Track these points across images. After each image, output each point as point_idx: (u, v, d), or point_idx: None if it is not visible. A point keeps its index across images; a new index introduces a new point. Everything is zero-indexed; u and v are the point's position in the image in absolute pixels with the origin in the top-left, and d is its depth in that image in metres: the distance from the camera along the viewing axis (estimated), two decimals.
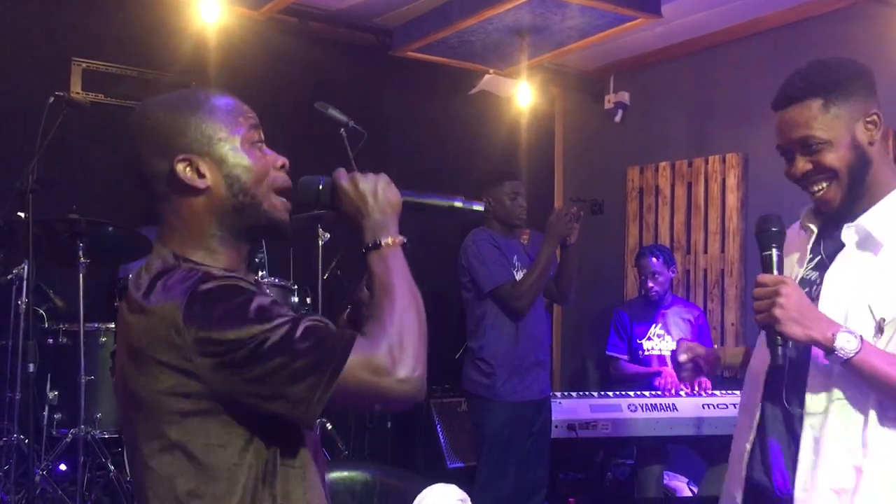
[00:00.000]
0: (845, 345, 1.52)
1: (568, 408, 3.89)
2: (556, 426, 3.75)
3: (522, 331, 3.50)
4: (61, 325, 3.85)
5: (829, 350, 1.54)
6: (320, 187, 1.39)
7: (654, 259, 4.47)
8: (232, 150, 1.34)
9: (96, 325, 3.86)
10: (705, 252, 5.17)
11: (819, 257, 1.74)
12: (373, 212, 1.34)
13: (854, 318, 1.61)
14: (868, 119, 1.66)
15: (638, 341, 4.55)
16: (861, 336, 1.54)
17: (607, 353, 4.66)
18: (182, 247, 1.33)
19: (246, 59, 4.74)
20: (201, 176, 1.31)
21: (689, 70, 5.27)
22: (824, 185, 1.66)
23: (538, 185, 5.64)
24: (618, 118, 5.68)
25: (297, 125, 4.58)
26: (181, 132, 1.32)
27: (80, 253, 3.56)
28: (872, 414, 1.59)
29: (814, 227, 1.77)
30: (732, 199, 5.02)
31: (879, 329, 1.59)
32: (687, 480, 4.47)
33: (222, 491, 1.24)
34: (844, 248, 1.68)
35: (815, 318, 1.56)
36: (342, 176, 1.38)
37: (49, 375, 3.79)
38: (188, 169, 1.31)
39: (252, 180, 1.34)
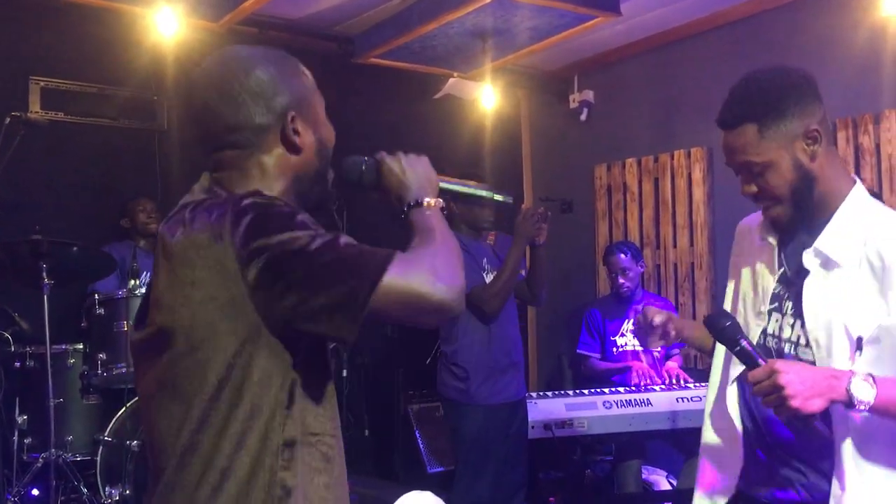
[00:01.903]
0: (862, 395, 1.50)
1: (544, 408, 3.90)
2: (533, 427, 3.75)
3: (495, 333, 3.50)
4: (28, 348, 3.79)
5: (851, 405, 1.51)
6: (364, 167, 1.45)
7: (622, 255, 4.50)
8: (323, 117, 1.44)
9: (63, 347, 3.80)
10: (674, 246, 5.20)
11: (783, 270, 1.75)
12: (414, 184, 1.44)
13: (835, 338, 1.61)
14: (808, 136, 1.64)
15: (611, 338, 4.57)
16: (871, 376, 1.52)
17: (578, 351, 4.68)
18: (259, 187, 1.35)
19: None
20: (299, 135, 1.37)
21: (652, 66, 5.31)
22: (770, 205, 1.68)
23: (506, 186, 5.63)
24: (583, 117, 5.71)
25: None
26: (287, 89, 1.37)
27: (44, 274, 3.52)
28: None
29: (773, 241, 1.76)
30: (699, 193, 5.06)
31: (858, 347, 1.59)
32: (665, 473, 4.50)
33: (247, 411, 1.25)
34: (810, 275, 1.67)
35: (824, 379, 1.52)
36: (386, 155, 1.47)
37: (17, 399, 3.73)
38: (296, 126, 1.36)
39: (330, 150, 1.44)
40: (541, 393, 4.15)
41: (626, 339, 4.54)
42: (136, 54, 4.50)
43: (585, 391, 4.13)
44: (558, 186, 5.88)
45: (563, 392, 4.22)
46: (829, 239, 1.65)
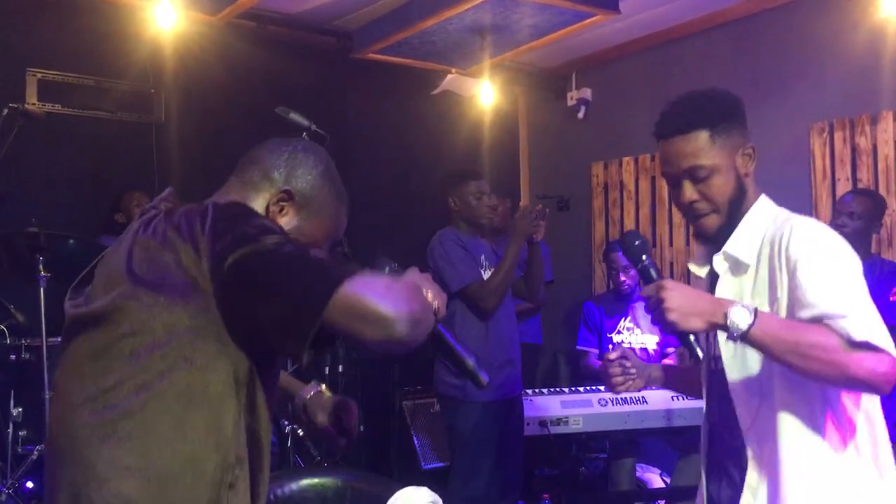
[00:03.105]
0: (738, 319, 1.53)
1: (539, 405, 3.90)
2: (528, 423, 3.76)
3: (492, 330, 3.50)
4: (23, 341, 3.77)
5: (727, 329, 1.55)
6: (388, 270, 1.58)
7: (622, 253, 4.50)
8: (308, 227, 1.53)
9: (59, 340, 3.78)
10: (671, 245, 5.21)
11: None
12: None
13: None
14: (745, 151, 1.75)
15: (608, 335, 4.57)
16: (755, 308, 1.55)
17: (577, 347, 4.68)
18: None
19: (204, 65, 4.70)
20: (280, 213, 1.51)
21: (650, 65, 5.31)
22: (707, 213, 1.74)
23: (503, 183, 5.65)
24: (581, 115, 5.71)
25: (258, 130, 4.51)
26: (307, 183, 1.53)
27: (41, 266, 3.50)
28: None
29: (701, 274, 1.85)
30: None
31: None
32: (659, 471, 4.51)
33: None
34: (720, 278, 1.76)
35: (707, 303, 1.58)
36: (417, 275, 1.51)
37: (12, 392, 3.71)
38: (281, 204, 1.51)
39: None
40: (536, 390, 4.16)
41: (623, 337, 4.55)
42: (134, 47, 4.49)
43: (581, 388, 4.13)
44: (555, 184, 5.88)
45: (558, 389, 4.22)
46: (737, 241, 1.74)
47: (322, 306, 1.22)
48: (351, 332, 1.25)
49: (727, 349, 1.73)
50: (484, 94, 5.23)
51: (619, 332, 4.56)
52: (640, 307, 4.58)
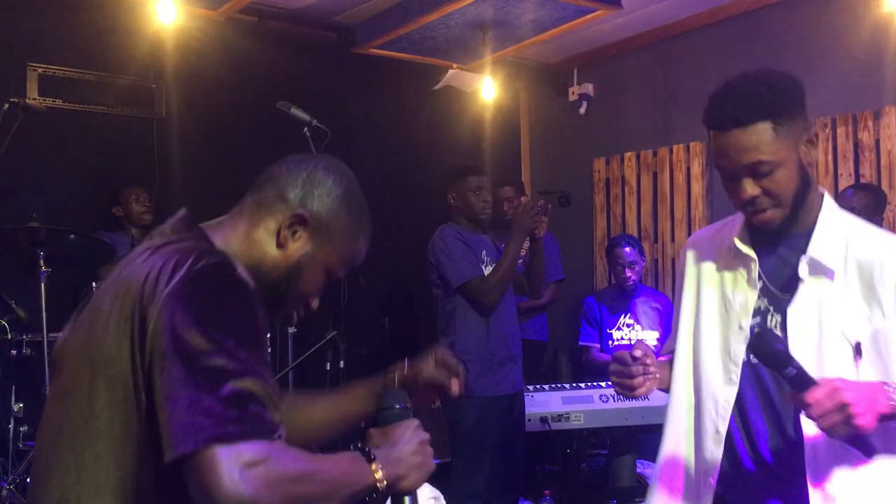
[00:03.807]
0: None
1: (540, 401, 3.90)
2: (530, 419, 3.76)
3: (493, 326, 3.50)
4: (24, 336, 3.77)
5: (893, 417, 1.48)
6: (396, 408, 1.43)
7: (628, 249, 4.49)
8: (321, 277, 1.44)
9: (60, 335, 3.78)
10: (672, 241, 5.20)
11: (762, 283, 1.70)
12: (401, 457, 1.34)
13: (830, 346, 1.59)
14: (808, 139, 1.62)
15: (608, 331, 4.57)
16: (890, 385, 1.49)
17: (580, 343, 4.67)
18: (229, 246, 1.38)
19: (205, 60, 4.69)
20: (292, 239, 1.40)
21: (652, 60, 5.30)
22: (768, 208, 1.61)
23: (505, 178, 5.64)
24: (582, 110, 5.70)
25: (260, 125, 4.54)
26: (325, 209, 1.41)
27: (42, 262, 3.50)
28: None
29: (752, 254, 1.70)
30: (697, 188, 5.06)
31: (858, 352, 1.58)
32: None
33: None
34: (804, 282, 1.64)
35: (872, 393, 1.47)
36: (415, 425, 1.41)
37: (13, 387, 3.71)
38: (294, 228, 1.39)
39: (299, 297, 1.44)
40: (537, 386, 4.15)
41: (623, 333, 4.55)
42: (135, 42, 4.48)
43: (582, 385, 4.13)
44: (557, 179, 5.88)
45: (559, 385, 4.22)
46: (819, 245, 1.63)
47: (186, 449, 1.12)
48: (192, 485, 1.14)
49: (804, 351, 1.59)
50: (485, 89, 5.22)
51: (619, 329, 4.56)
52: (640, 303, 4.57)
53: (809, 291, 1.63)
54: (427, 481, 2.02)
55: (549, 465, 4.47)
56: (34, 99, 4.39)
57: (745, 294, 1.71)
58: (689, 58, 5.02)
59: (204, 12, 4.48)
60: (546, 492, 3.92)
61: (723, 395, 1.72)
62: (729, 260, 1.75)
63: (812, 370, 1.53)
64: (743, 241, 1.72)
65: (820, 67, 4.39)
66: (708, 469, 1.74)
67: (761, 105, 1.57)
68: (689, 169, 5.10)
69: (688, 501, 1.78)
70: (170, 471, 1.15)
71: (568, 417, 3.87)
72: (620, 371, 1.70)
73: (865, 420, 1.42)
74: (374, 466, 1.29)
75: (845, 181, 4.33)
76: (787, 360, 1.48)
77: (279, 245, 1.40)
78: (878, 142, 4.27)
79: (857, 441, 1.48)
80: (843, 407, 1.40)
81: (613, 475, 4.21)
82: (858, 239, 1.63)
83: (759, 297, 1.70)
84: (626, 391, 1.71)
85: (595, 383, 4.12)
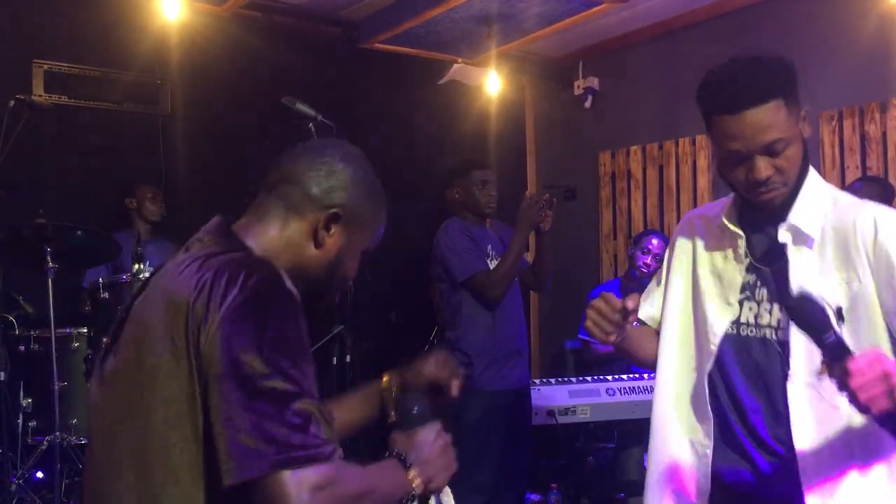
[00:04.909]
0: None
1: (547, 394, 3.90)
2: (536, 413, 3.76)
3: (499, 320, 3.49)
4: (32, 332, 3.79)
5: None
6: (415, 411, 1.49)
7: (655, 240, 4.49)
8: (358, 256, 1.47)
9: (68, 331, 3.80)
10: None
11: (749, 259, 1.72)
12: (430, 459, 1.41)
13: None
14: (803, 114, 1.63)
15: None
16: None
17: (580, 336, 4.67)
18: (267, 252, 1.37)
19: (210, 56, 4.69)
20: (328, 235, 1.41)
21: (657, 53, 5.28)
22: (780, 187, 1.62)
23: (510, 172, 5.64)
24: (588, 104, 5.69)
25: (265, 121, 4.53)
26: (353, 199, 1.42)
27: (49, 258, 3.51)
28: None
29: (741, 231, 1.71)
30: (703, 181, 5.05)
31: (840, 317, 1.59)
32: None
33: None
34: (788, 249, 1.65)
35: None
36: (438, 428, 1.47)
37: (22, 383, 3.73)
38: (330, 225, 1.40)
39: (342, 283, 1.48)
40: (544, 380, 4.16)
41: None
42: (140, 38, 4.48)
43: (588, 378, 4.13)
44: (562, 173, 5.86)
45: (566, 379, 4.22)
46: (800, 212, 1.65)
47: (251, 475, 1.14)
48: None
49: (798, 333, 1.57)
50: (490, 83, 5.21)
51: None
52: None
53: (791, 260, 1.65)
54: None
55: (556, 458, 4.48)
56: (40, 95, 4.41)
57: (733, 270, 1.74)
58: (695, 51, 5.00)
59: (209, 8, 4.48)
60: (553, 485, 3.93)
61: (702, 368, 1.75)
62: (719, 238, 1.78)
63: (797, 337, 1.57)
64: (731, 219, 1.74)
65: (826, 59, 4.37)
66: (703, 442, 1.75)
67: (773, 82, 1.57)
68: (695, 162, 5.08)
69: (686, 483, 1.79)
70: (229, 493, 1.16)
71: (574, 411, 3.87)
72: (602, 313, 1.64)
73: None
74: (411, 474, 1.34)
75: (852, 173, 4.32)
76: (828, 325, 1.39)
77: (318, 245, 1.41)
78: (884, 134, 4.25)
79: (891, 421, 1.42)
80: (886, 377, 1.33)
81: (620, 468, 4.22)
82: (836, 206, 1.66)
83: (746, 272, 1.72)
84: (599, 334, 1.66)
85: (602, 377, 4.12)
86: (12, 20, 4.41)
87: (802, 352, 1.62)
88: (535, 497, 4.23)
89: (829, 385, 1.43)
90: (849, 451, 1.61)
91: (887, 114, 4.23)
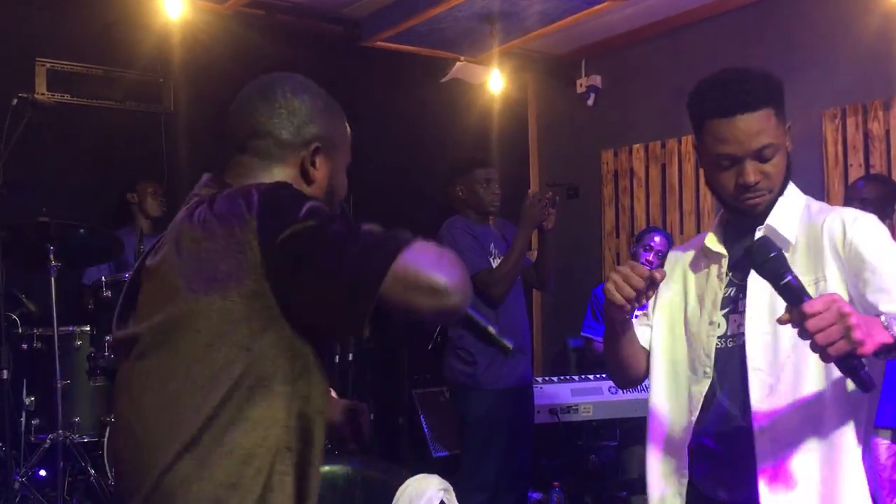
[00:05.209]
0: None
1: (549, 393, 3.90)
2: (538, 411, 3.76)
3: (502, 318, 3.49)
4: (35, 330, 3.80)
5: (891, 350, 1.40)
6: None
7: (658, 238, 4.46)
8: (344, 169, 1.51)
9: (71, 329, 3.81)
10: (681, 233, 5.19)
11: (729, 276, 1.75)
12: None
13: (781, 311, 1.58)
14: (788, 126, 1.70)
15: None
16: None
17: (582, 333, 4.67)
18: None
19: (212, 54, 4.69)
20: (315, 168, 1.44)
21: (659, 51, 5.27)
22: (766, 193, 1.67)
23: (513, 170, 5.63)
24: (590, 102, 5.68)
25: None
26: (322, 123, 1.46)
27: (51, 256, 3.52)
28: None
29: (723, 251, 1.76)
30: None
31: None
32: None
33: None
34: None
35: (870, 321, 1.39)
36: None
37: (25, 381, 3.74)
38: (314, 158, 1.44)
39: (338, 200, 1.53)
40: (546, 378, 4.16)
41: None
42: (142, 36, 4.48)
43: (591, 376, 4.13)
44: (565, 172, 5.86)
45: (568, 377, 4.22)
46: (779, 216, 1.70)
47: (379, 281, 1.19)
48: (406, 303, 1.22)
49: (756, 325, 1.65)
50: (493, 81, 5.21)
51: None
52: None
53: None
54: (437, 473, 2.03)
55: (558, 457, 4.48)
56: (42, 94, 4.41)
57: (714, 289, 1.76)
58: (698, 49, 4.99)
59: (211, 6, 4.48)
60: (555, 484, 3.93)
61: (697, 389, 1.74)
62: (702, 262, 1.82)
63: (769, 339, 1.62)
64: (715, 239, 1.79)
65: (830, 57, 4.37)
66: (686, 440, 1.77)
67: (765, 92, 1.65)
68: (697, 161, 5.07)
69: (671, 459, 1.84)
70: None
71: (577, 409, 3.87)
72: (627, 278, 1.59)
73: (866, 335, 1.32)
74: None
75: (855, 171, 4.31)
76: (785, 266, 1.43)
77: (310, 182, 1.45)
78: (888, 132, 4.24)
79: (853, 369, 1.39)
80: (842, 317, 1.31)
81: (623, 467, 4.21)
82: (808, 211, 1.71)
83: (727, 287, 1.75)
84: (617, 296, 1.60)
85: (604, 375, 4.12)
86: (15, 19, 4.41)
87: (760, 347, 1.66)
88: (537, 495, 4.23)
89: (788, 377, 1.59)
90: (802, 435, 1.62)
91: (891, 111, 4.22)
